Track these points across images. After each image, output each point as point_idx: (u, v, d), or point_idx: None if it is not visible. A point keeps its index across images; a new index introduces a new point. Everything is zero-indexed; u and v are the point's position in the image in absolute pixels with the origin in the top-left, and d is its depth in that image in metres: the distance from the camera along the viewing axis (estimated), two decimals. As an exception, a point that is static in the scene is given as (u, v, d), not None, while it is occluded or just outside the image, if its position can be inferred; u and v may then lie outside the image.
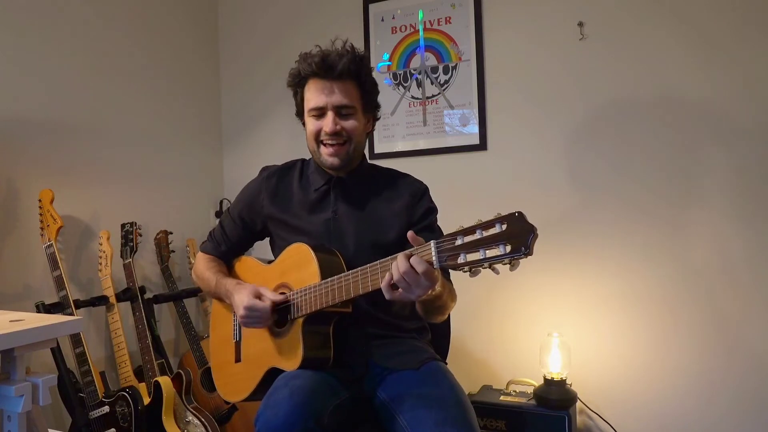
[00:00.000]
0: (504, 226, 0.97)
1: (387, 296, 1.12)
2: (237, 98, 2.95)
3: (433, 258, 1.06)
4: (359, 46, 2.57)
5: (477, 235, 1.00)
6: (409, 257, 1.08)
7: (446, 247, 1.04)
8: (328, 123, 1.35)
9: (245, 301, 1.32)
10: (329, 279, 1.25)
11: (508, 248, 0.96)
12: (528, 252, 0.94)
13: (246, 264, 1.54)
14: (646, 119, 2.13)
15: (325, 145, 1.38)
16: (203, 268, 1.54)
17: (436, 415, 1.17)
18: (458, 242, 1.03)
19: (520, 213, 0.97)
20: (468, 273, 1.02)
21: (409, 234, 1.12)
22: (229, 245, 1.55)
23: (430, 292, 1.12)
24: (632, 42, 2.14)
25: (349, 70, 1.34)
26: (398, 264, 1.09)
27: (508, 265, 0.98)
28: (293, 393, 1.17)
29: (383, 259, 1.15)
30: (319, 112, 1.36)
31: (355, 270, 1.21)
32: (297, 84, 1.40)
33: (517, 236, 0.96)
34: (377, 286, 1.16)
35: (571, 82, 2.23)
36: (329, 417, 1.18)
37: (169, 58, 2.69)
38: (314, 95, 1.36)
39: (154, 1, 2.62)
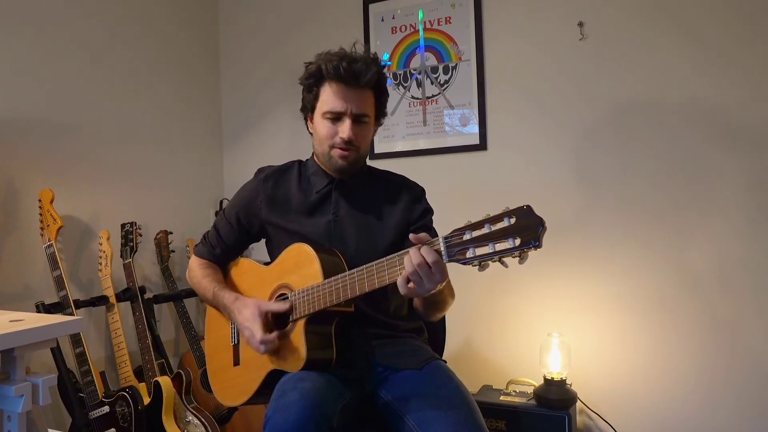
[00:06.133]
0: (513, 220, 0.98)
1: (402, 291, 1.11)
2: (237, 98, 2.95)
3: (443, 252, 1.06)
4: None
5: (485, 230, 1.01)
6: (420, 249, 1.08)
7: (455, 241, 1.05)
8: (345, 130, 1.35)
9: (257, 332, 1.30)
10: (333, 278, 1.25)
11: (518, 241, 0.97)
12: (538, 245, 0.95)
13: (243, 267, 1.53)
14: (647, 119, 2.13)
15: (337, 148, 1.38)
16: (200, 276, 1.52)
17: (447, 416, 1.17)
18: (466, 236, 1.03)
19: (528, 206, 0.98)
20: (477, 267, 1.03)
21: (411, 236, 1.12)
22: (223, 248, 1.54)
23: (438, 286, 1.12)
24: (632, 42, 2.14)
25: (370, 82, 1.36)
26: (411, 257, 1.09)
27: (517, 258, 0.99)
28: (303, 396, 1.16)
29: (389, 256, 1.15)
30: (336, 116, 1.37)
31: (360, 268, 1.21)
32: (314, 82, 1.40)
33: (526, 229, 0.96)
34: (384, 282, 1.16)
35: (571, 82, 2.23)
36: (337, 419, 1.18)
37: (170, 58, 2.69)
38: (333, 99, 1.36)
39: (154, 1, 2.62)
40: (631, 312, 2.15)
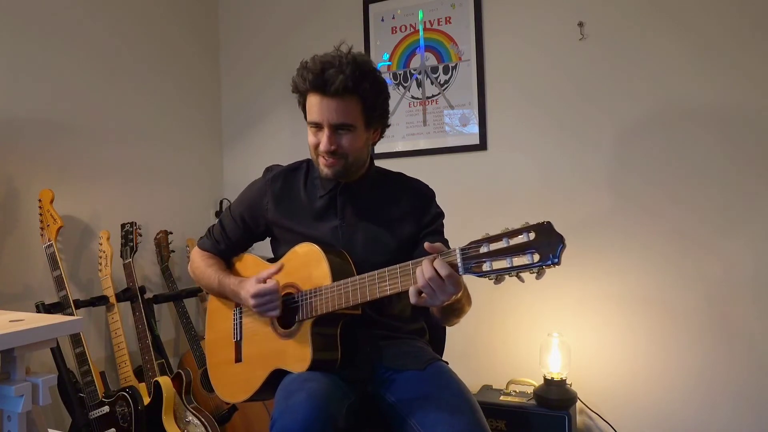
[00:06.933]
0: (532, 235, 0.98)
1: (413, 301, 1.11)
2: (237, 98, 2.95)
3: (459, 265, 1.06)
4: (359, 46, 2.60)
5: (503, 243, 1.01)
6: (433, 261, 1.08)
7: (471, 254, 1.04)
8: (324, 141, 1.32)
9: (251, 290, 1.32)
10: (343, 281, 1.24)
11: (536, 257, 0.97)
12: (557, 262, 0.95)
13: (247, 262, 1.53)
14: (647, 119, 2.13)
15: (321, 157, 1.36)
16: (204, 266, 1.52)
17: (451, 419, 1.17)
18: (483, 249, 1.02)
19: (548, 222, 0.98)
20: (493, 281, 1.02)
21: (427, 245, 1.11)
22: (228, 244, 1.54)
23: (452, 297, 1.11)
24: (632, 42, 2.14)
25: (346, 88, 1.27)
26: (423, 269, 1.08)
27: (534, 274, 0.99)
28: (310, 396, 1.15)
29: (402, 264, 1.15)
30: (317, 127, 1.34)
31: (371, 273, 1.20)
32: (299, 96, 1.38)
33: (545, 245, 0.97)
34: (396, 290, 1.15)
35: (571, 82, 2.23)
36: (343, 419, 1.18)
37: (170, 58, 2.69)
38: (312, 109, 1.33)
39: (154, 1, 2.62)
40: (631, 312, 2.15)
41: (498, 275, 1.01)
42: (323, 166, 1.36)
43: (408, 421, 1.22)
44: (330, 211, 1.43)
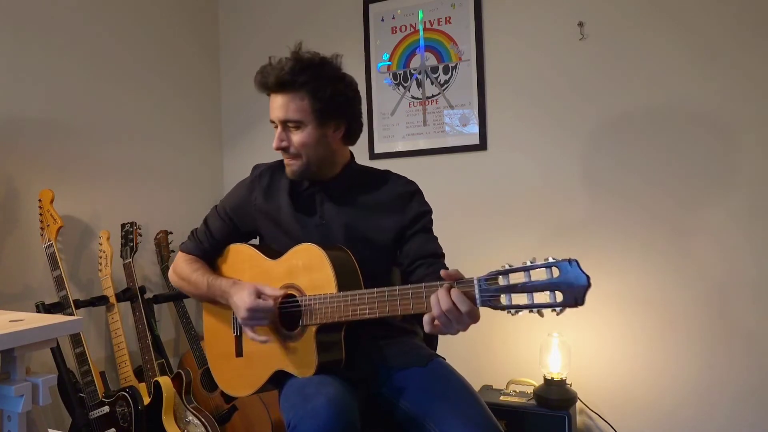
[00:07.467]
0: (555, 273, 0.95)
1: (427, 329, 1.10)
2: (237, 98, 2.95)
3: (476, 297, 1.03)
4: (359, 46, 2.60)
5: (524, 277, 0.97)
6: (449, 292, 1.05)
7: (490, 286, 1.01)
8: (275, 138, 1.35)
9: (247, 302, 1.28)
10: (350, 293, 1.23)
11: (559, 297, 0.94)
12: (581, 304, 0.92)
13: (244, 254, 1.47)
14: (647, 119, 2.13)
15: (282, 156, 1.38)
16: (189, 271, 1.47)
17: (464, 414, 1.17)
18: (503, 282, 0.99)
19: (575, 261, 0.94)
20: (510, 314, 1.00)
21: (442, 272, 1.08)
22: (212, 243, 1.50)
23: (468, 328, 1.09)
24: (632, 42, 2.14)
25: (283, 82, 1.29)
26: (440, 300, 1.05)
27: (555, 312, 0.95)
28: (330, 401, 1.14)
29: (414, 285, 1.13)
30: (274, 125, 1.36)
31: (380, 289, 1.18)
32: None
33: (569, 285, 0.93)
34: (408, 311, 1.14)
35: (571, 82, 2.23)
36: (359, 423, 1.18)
37: (170, 58, 2.69)
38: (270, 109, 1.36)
39: (154, 1, 2.62)
40: (631, 312, 2.15)
41: (517, 310, 0.98)
42: (286, 166, 1.39)
43: (420, 420, 1.22)
44: (310, 207, 1.42)
